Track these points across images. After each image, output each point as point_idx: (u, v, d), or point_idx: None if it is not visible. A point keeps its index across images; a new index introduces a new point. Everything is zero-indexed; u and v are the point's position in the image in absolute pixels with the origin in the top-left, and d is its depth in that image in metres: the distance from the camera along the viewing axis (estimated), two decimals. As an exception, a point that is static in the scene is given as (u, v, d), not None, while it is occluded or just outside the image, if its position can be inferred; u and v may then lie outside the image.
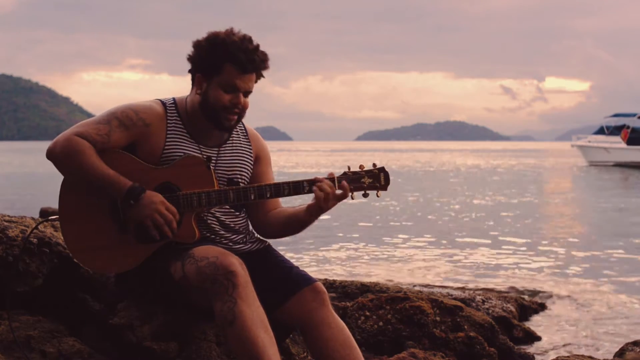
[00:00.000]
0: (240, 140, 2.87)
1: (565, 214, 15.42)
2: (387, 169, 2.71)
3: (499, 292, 6.26)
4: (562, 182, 28.13)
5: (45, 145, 3.06)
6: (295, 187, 2.65)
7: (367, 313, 4.04)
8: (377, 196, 2.71)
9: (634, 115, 41.38)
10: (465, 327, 4.04)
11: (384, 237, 10.95)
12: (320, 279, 5.00)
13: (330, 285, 5.01)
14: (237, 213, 2.81)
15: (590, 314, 5.91)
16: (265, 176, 2.90)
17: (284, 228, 2.82)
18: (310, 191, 2.64)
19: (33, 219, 3.31)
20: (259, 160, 2.91)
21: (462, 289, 6.06)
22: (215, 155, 2.77)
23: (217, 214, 2.75)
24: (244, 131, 2.90)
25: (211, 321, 2.67)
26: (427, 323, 3.97)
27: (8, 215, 3.28)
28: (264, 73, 2.72)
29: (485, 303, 5.06)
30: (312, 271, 7.25)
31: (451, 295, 5.15)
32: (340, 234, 11.27)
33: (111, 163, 2.62)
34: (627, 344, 4.08)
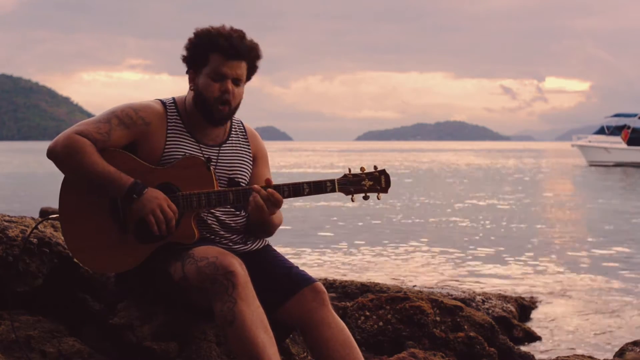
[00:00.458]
0: (239, 140, 2.87)
1: (565, 214, 15.43)
2: (387, 172, 2.71)
3: (499, 292, 6.26)
4: (562, 183, 28.13)
5: (45, 145, 3.06)
6: (295, 189, 2.65)
7: (367, 313, 4.04)
8: (378, 199, 2.70)
9: (635, 115, 41.41)
10: (465, 327, 4.04)
11: (384, 237, 10.94)
12: (320, 279, 5.00)
13: (330, 285, 5.01)
14: (237, 213, 2.81)
15: (590, 314, 5.91)
16: (262, 177, 2.90)
17: (260, 229, 2.82)
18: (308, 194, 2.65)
19: (33, 219, 3.31)
20: (257, 160, 2.91)
21: (462, 289, 6.05)
22: (216, 154, 2.78)
23: (217, 214, 2.75)
24: (243, 130, 2.90)
25: (211, 321, 2.67)
26: (427, 323, 3.97)
27: (8, 215, 3.28)
28: (262, 71, 2.73)
29: (485, 303, 5.06)
30: (312, 271, 7.25)
31: (451, 295, 5.15)
32: (340, 234, 11.27)
33: (111, 162, 2.62)
34: (627, 344, 4.08)
